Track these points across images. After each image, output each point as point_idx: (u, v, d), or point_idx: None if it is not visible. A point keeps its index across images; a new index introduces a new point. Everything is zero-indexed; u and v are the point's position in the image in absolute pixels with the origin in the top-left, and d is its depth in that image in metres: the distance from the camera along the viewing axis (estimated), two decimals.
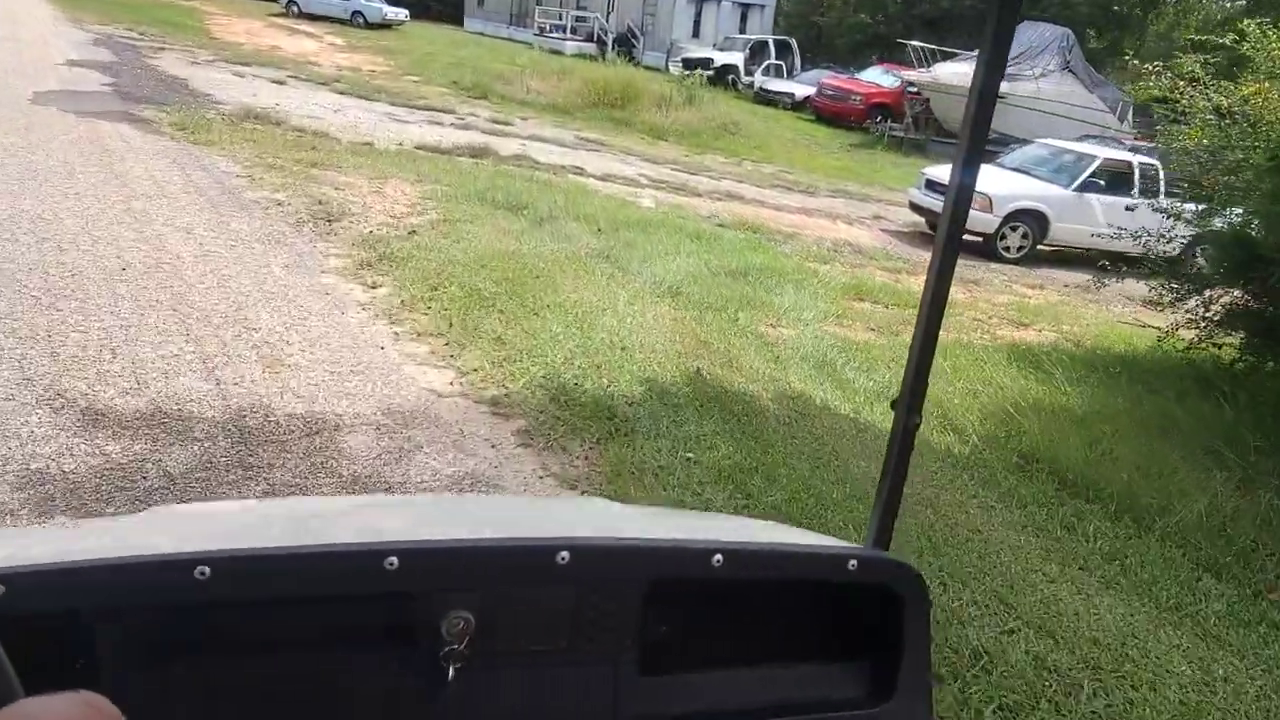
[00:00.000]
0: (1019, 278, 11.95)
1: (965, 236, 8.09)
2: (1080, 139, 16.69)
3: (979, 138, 1.07)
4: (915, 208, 13.65)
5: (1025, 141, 15.61)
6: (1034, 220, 12.88)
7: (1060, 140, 15.20)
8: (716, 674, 1.03)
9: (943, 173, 13.36)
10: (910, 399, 1.09)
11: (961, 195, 1.10)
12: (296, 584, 0.85)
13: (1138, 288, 9.49)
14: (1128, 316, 9.74)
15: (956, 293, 10.29)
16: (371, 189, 9.42)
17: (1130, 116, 21.15)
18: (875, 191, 17.08)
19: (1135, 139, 17.17)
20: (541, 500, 2.89)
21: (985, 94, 1.06)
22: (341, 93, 16.56)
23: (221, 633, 0.88)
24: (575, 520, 1.42)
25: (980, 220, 12.57)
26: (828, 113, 27.13)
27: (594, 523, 1.35)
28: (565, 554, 0.90)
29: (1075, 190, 13.05)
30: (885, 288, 9.55)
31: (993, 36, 1.03)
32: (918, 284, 8.27)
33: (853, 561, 1.01)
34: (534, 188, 10.82)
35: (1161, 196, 13.77)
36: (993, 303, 10.15)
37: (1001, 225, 12.69)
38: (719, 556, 0.94)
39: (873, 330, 7.95)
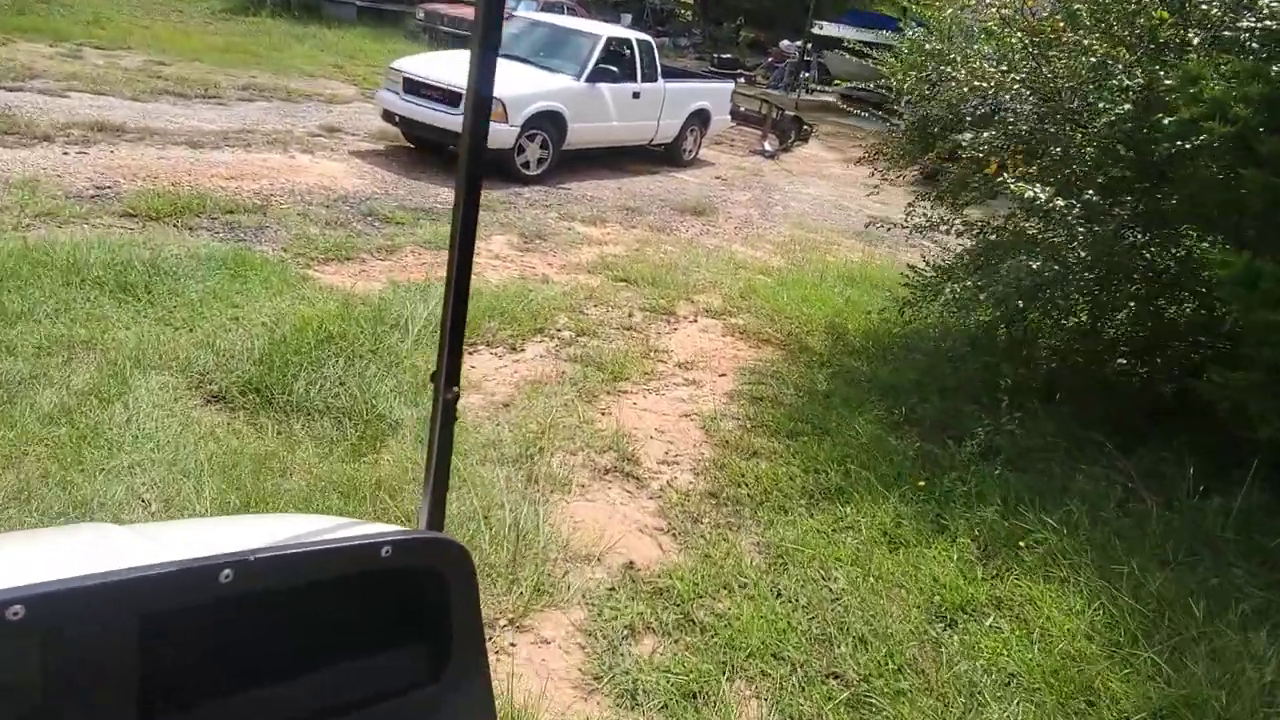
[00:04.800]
0: (567, 210, 9.00)
1: None
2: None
3: (491, 33, 1.00)
4: (389, 116, 9.71)
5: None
6: (552, 124, 9.91)
7: (542, 12, 12.18)
8: (251, 694, 0.91)
9: (421, 67, 9.64)
10: (448, 371, 1.06)
11: (479, 114, 1.04)
12: None
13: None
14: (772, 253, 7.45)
15: (526, 263, 6.97)
16: None
17: None
18: (300, 85, 12.44)
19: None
20: (20, 535, 1.65)
21: None
22: None
23: None
24: (53, 559, 0.98)
25: (494, 134, 9.22)
26: None
27: (78, 560, 0.94)
28: (18, 609, 0.72)
29: (587, 81, 10.30)
30: (513, 300, 5.85)
31: None
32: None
33: (386, 548, 0.93)
34: None
35: (661, 78, 12.04)
36: (591, 278, 7.07)
37: (520, 136, 9.49)
38: (228, 571, 0.82)
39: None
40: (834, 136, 18.93)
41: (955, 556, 3.58)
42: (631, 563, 3.28)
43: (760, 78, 26.56)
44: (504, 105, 9.19)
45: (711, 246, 8.85)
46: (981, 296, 4.12)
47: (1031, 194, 3.89)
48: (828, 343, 6.31)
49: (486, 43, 1.00)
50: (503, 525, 3.22)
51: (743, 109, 15.55)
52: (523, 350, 5.40)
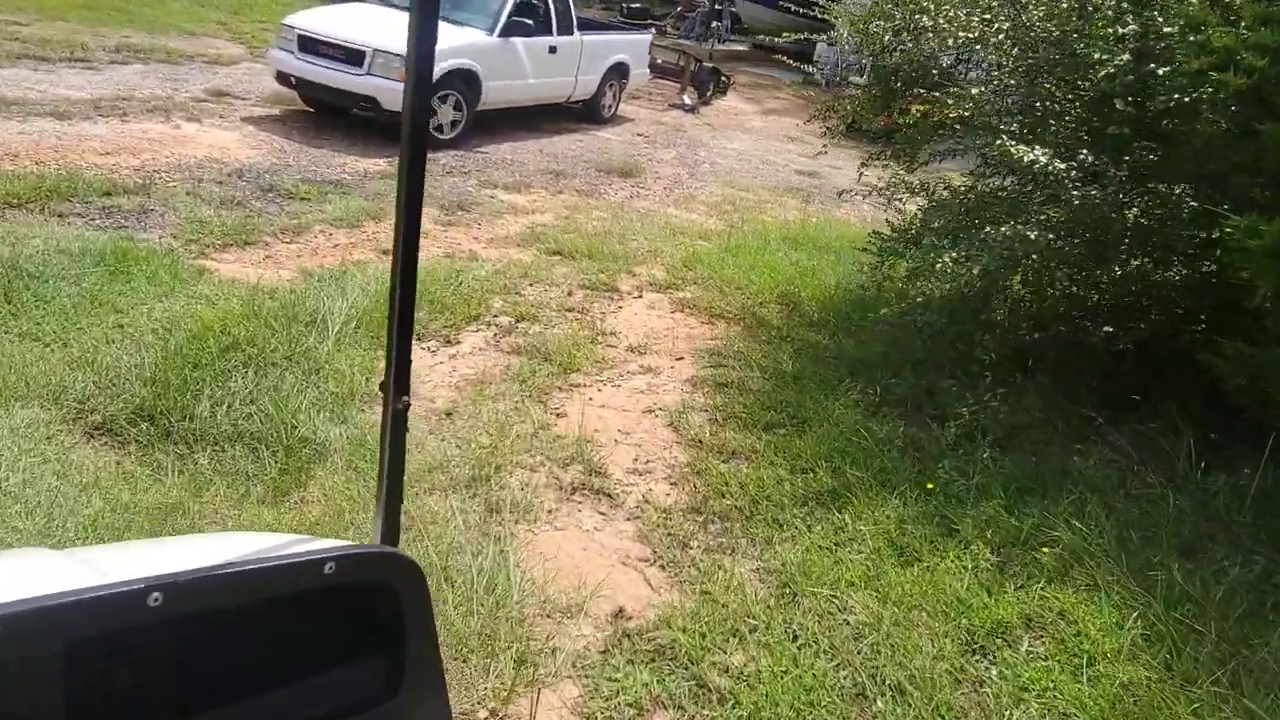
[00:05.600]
0: (488, 177, 8.34)
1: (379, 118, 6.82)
2: None
3: None
4: (284, 78, 8.83)
5: None
6: (464, 84, 9.16)
7: None
8: (196, 718, 0.87)
9: (317, 22, 8.78)
10: (397, 380, 1.04)
11: (421, 91, 1.03)
12: None
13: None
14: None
15: (450, 239, 6.37)
16: None
17: None
18: (181, 45, 11.30)
19: None
20: None
21: None
22: None
23: None
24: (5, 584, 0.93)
25: (401, 95, 8.45)
26: None
27: (6, 586, 0.88)
28: None
29: (500, 35, 9.55)
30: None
31: None
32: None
33: (330, 564, 0.90)
34: None
35: (577, 31, 11.32)
36: (517, 247, 6.49)
37: (430, 98, 8.71)
38: (157, 594, 0.78)
39: None
40: (750, 88, 18.46)
41: (971, 565, 3.21)
42: (621, 609, 2.81)
43: (670, 28, 25.82)
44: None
45: (644, 210, 8.33)
46: (975, 270, 3.74)
47: (1030, 157, 3.50)
48: (783, 315, 5.90)
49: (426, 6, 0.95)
50: (468, 579, 2.70)
51: (660, 61, 14.93)
52: (458, 342, 4.83)
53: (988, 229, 3.97)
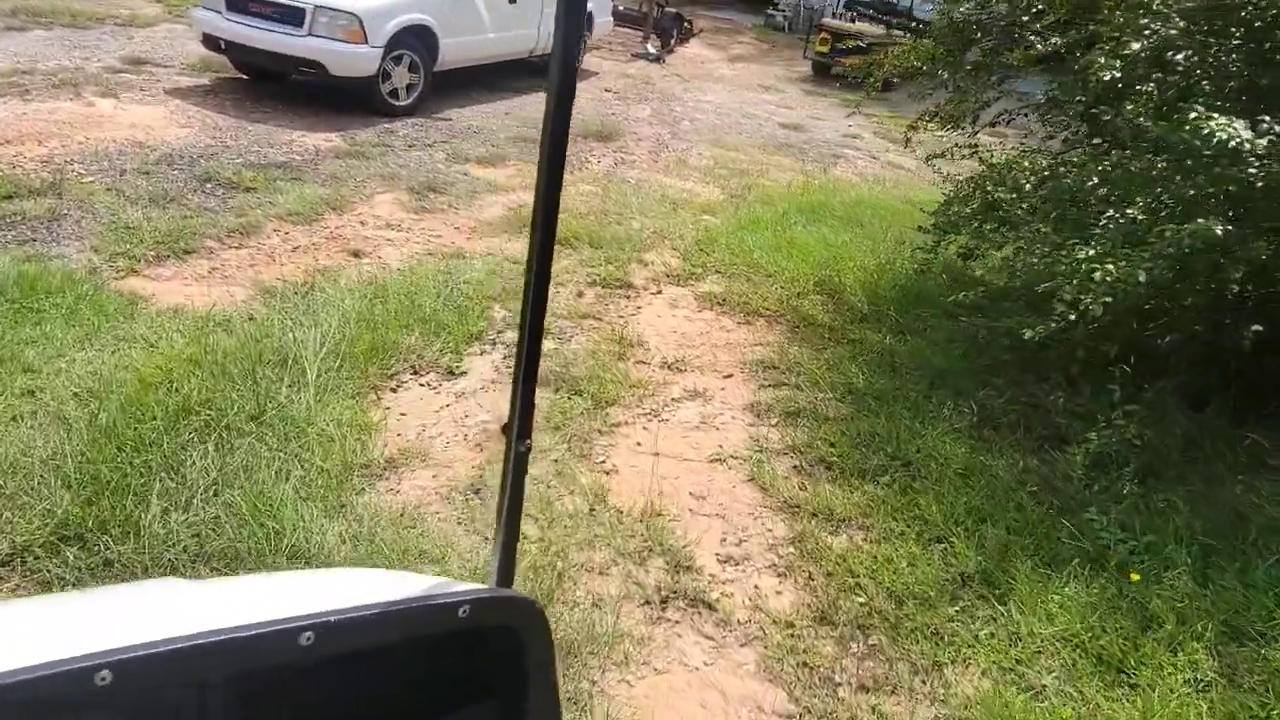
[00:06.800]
0: (456, 149, 7.32)
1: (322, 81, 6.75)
2: None
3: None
4: (211, 41, 7.65)
5: None
6: (420, 42, 8.06)
7: None
8: None
9: None
10: (520, 422, 1.01)
11: (564, 98, 0.87)
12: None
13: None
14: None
15: (428, 231, 5.43)
16: None
17: None
18: (87, 6, 9.85)
19: None
20: (94, 594, 1.51)
21: None
22: None
23: None
24: (129, 617, 0.94)
25: (351, 58, 7.39)
26: None
27: (153, 617, 0.91)
28: (105, 674, 0.69)
29: None
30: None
31: None
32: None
33: (464, 608, 0.90)
34: None
35: None
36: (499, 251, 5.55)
37: (383, 60, 7.63)
38: (309, 634, 0.79)
39: None
40: (712, 34, 17.41)
41: (1192, 677, 2.47)
42: None
43: None
44: (360, 22, 7.31)
45: (634, 181, 7.41)
46: (1141, 277, 2.93)
47: (1231, 133, 2.68)
48: (828, 308, 5.08)
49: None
50: None
51: (621, 8, 13.83)
52: (463, 373, 3.93)
53: (1168, 229, 3.09)
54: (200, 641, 0.74)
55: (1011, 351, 4.29)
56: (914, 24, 15.23)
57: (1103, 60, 3.32)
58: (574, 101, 0.88)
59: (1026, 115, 5.02)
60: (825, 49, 14.29)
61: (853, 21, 15.32)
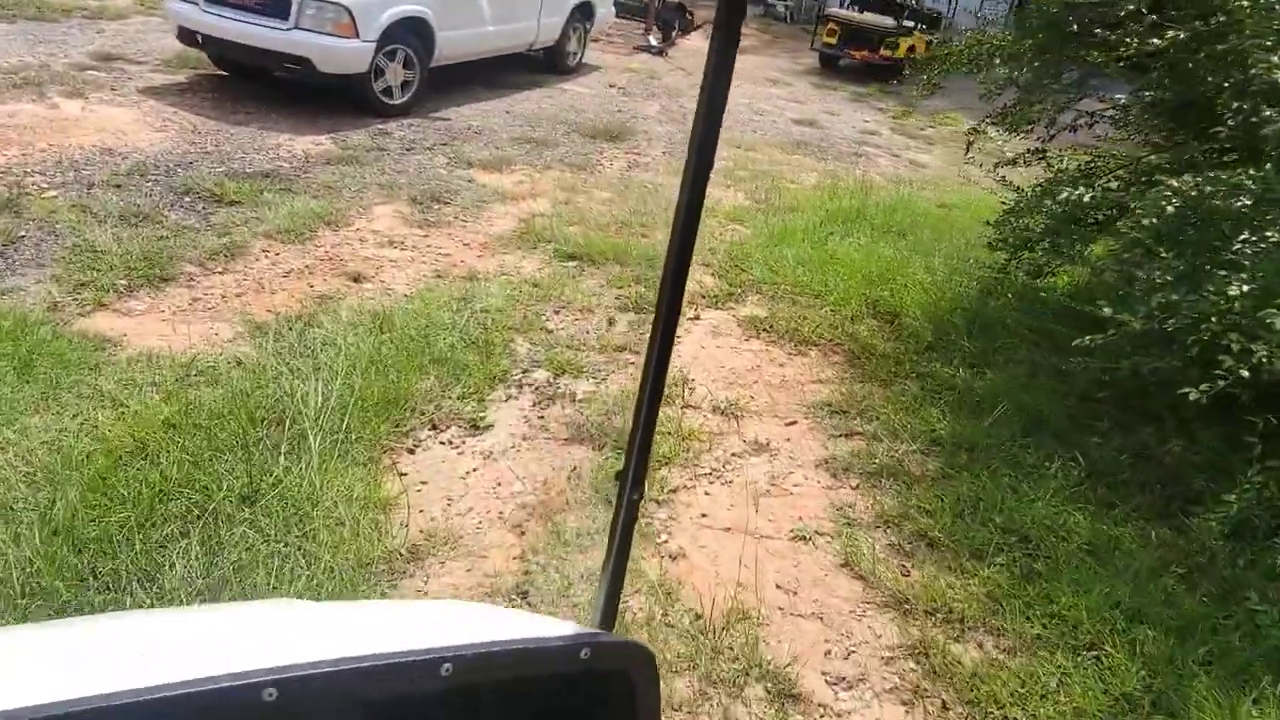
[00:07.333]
0: (458, 152, 6.72)
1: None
2: None
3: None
4: (187, 35, 7.01)
5: None
6: (415, 36, 7.45)
7: None
8: None
9: None
10: (635, 471, 1.01)
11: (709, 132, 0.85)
12: None
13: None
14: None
15: (435, 248, 4.86)
16: None
17: None
18: None
19: None
20: (225, 609, 1.53)
21: None
22: None
23: None
24: (272, 637, 0.96)
25: (341, 53, 6.77)
26: None
27: (293, 637, 0.94)
28: (273, 690, 0.71)
29: None
30: None
31: None
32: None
33: (585, 650, 0.90)
34: None
35: None
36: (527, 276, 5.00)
37: (376, 55, 7.03)
38: (448, 665, 0.80)
39: None
40: (712, 25, 16.81)
41: None
42: None
43: None
44: (351, 14, 6.69)
45: (651, 186, 6.83)
46: None
47: None
48: (888, 336, 4.54)
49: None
50: None
51: None
52: (488, 426, 3.37)
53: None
54: (359, 665, 0.77)
55: (1108, 387, 3.78)
56: (926, 16, 14.73)
57: (1275, 59, 2.80)
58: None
59: (1103, 120, 4.50)
60: (833, 40, 13.74)
61: (860, 12, 14.75)
